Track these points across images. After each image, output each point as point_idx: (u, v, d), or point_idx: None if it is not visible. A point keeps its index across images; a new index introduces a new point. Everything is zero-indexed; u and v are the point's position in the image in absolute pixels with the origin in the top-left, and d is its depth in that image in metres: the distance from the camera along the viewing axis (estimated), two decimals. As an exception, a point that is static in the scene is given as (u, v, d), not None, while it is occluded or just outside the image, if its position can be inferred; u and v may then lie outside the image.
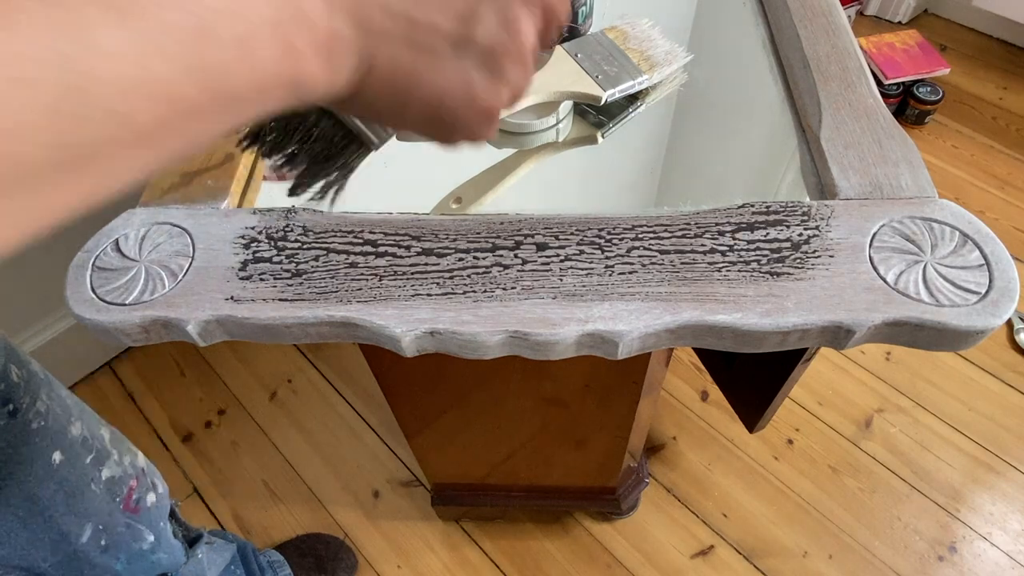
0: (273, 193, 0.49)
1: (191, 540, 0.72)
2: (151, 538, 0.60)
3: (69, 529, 0.52)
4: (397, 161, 0.54)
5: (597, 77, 0.54)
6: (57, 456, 0.51)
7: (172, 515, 0.67)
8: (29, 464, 0.49)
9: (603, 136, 0.55)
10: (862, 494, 1.05)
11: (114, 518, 0.56)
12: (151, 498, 0.61)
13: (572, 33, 0.56)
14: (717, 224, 0.42)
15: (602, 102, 0.53)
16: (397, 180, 0.53)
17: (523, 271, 0.41)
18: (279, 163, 0.35)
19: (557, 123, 0.56)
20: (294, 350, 1.26)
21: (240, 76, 0.20)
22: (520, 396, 0.71)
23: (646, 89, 0.56)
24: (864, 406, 1.14)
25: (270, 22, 0.21)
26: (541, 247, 0.42)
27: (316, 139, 0.34)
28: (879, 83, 1.50)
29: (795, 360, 0.57)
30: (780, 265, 0.40)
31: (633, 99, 0.56)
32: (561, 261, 0.41)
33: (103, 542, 0.56)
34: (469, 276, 0.41)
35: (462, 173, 0.55)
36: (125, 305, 0.41)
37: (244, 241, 0.43)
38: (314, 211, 0.45)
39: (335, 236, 0.43)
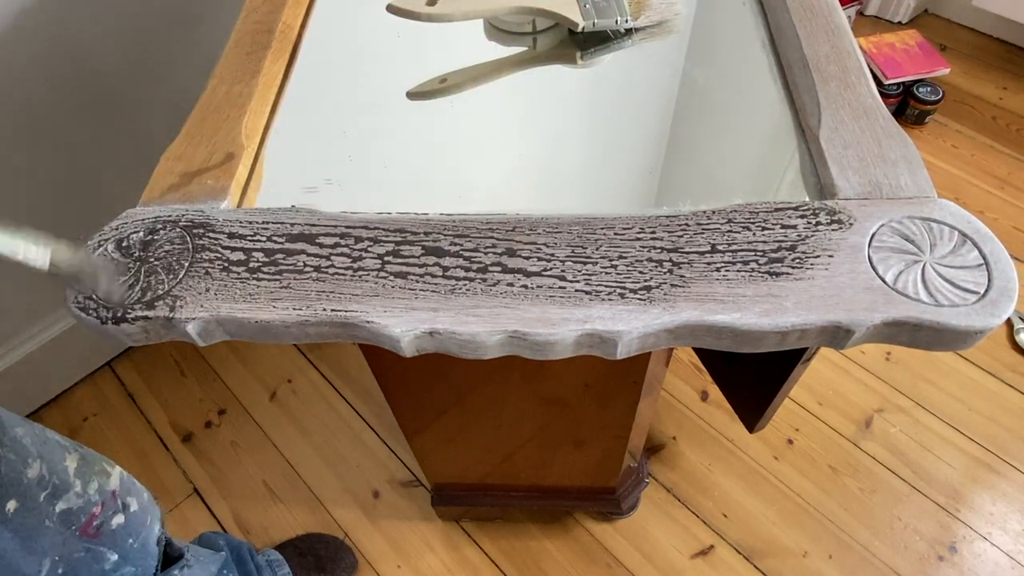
0: (273, 193, 0.50)
1: (173, 558, 0.70)
2: (114, 557, 0.59)
3: (27, 570, 0.52)
4: (397, 161, 0.54)
5: (584, 5, 0.57)
6: (12, 504, 0.50)
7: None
8: None
9: (581, 59, 0.59)
10: (862, 494, 1.05)
11: (69, 546, 0.55)
12: (118, 520, 0.60)
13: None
14: (716, 224, 0.42)
15: (579, 28, 0.57)
16: (397, 180, 0.53)
17: (522, 271, 0.41)
18: None
19: (535, 31, 0.61)
20: (294, 350, 1.26)
21: None
22: (520, 396, 0.71)
23: (634, 28, 0.60)
24: (864, 406, 1.14)
25: None
26: (541, 246, 0.42)
27: None
28: (879, 83, 1.50)
29: (795, 360, 0.57)
30: (779, 265, 0.40)
31: (622, 33, 0.60)
32: (560, 261, 0.41)
33: (60, 571, 0.54)
34: (468, 276, 0.41)
35: (460, 175, 0.55)
36: (125, 305, 0.41)
37: (244, 241, 0.43)
38: (314, 211, 0.45)
39: (335, 236, 0.43)
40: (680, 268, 0.40)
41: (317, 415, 1.18)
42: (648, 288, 0.39)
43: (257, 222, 0.44)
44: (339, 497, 1.09)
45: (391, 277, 0.41)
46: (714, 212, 0.43)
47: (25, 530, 0.51)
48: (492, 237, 0.42)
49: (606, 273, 0.40)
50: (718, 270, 0.40)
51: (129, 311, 0.40)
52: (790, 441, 1.11)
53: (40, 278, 1.12)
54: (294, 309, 0.40)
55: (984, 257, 0.39)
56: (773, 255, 0.40)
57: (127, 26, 0.97)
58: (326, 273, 0.41)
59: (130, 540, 0.61)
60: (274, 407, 1.19)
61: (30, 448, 0.53)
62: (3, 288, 1.03)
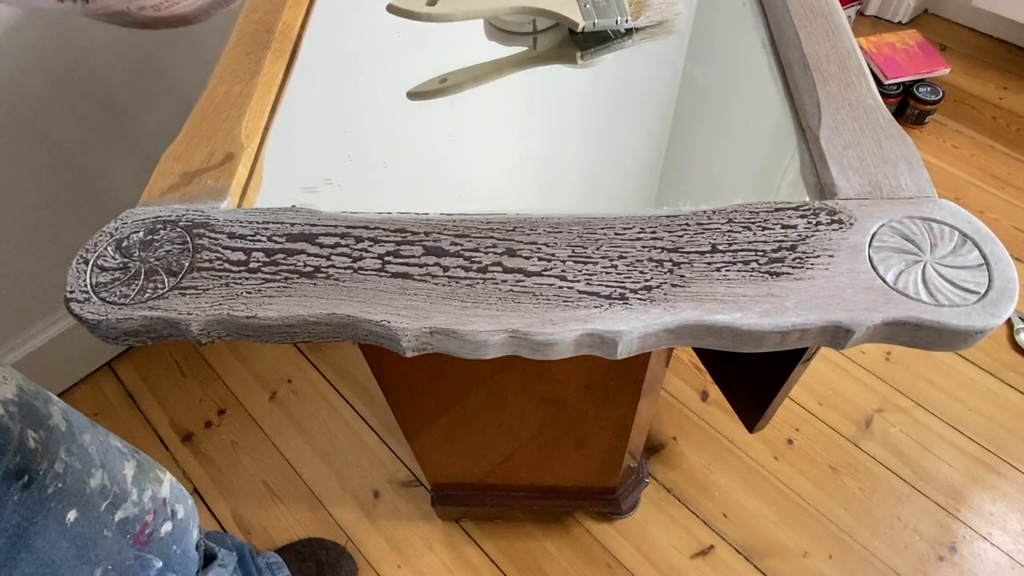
0: (273, 193, 0.49)
1: (207, 558, 0.71)
2: (159, 564, 0.59)
3: None
4: (397, 161, 0.54)
5: (585, 5, 0.57)
6: (72, 514, 0.50)
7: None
8: (43, 531, 0.48)
9: (582, 59, 0.58)
10: (862, 494, 1.05)
11: (123, 554, 0.55)
12: (166, 528, 0.60)
13: None
14: (717, 224, 0.42)
15: (579, 28, 0.57)
16: (397, 180, 0.53)
17: (523, 270, 0.41)
18: None
19: (535, 31, 0.61)
20: (294, 350, 1.26)
21: None
22: (520, 396, 0.71)
23: (634, 28, 0.60)
24: (864, 406, 1.14)
25: None
26: (541, 246, 0.42)
27: None
28: (879, 83, 1.50)
29: (795, 360, 0.57)
30: (779, 265, 0.40)
31: (622, 33, 0.60)
32: (561, 261, 0.41)
33: None
34: (469, 276, 0.41)
35: (460, 175, 0.55)
36: (125, 305, 0.41)
37: (244, 241, 0.43)
38: (314, 211, 0.45)
39: (335, 236, 0.43)
40: (680, 268, 0.40)
41: (317, 415, 1.18)
42: (648, 288, 0.39)
43: (257, 222, 0.44)
44: (339, 497, 1.09)
45: (391, 277, 0.41)
46: (714, 212, 0.43)
47: (83, 539, 0.51)
48: (492, 237, 0.42)
49: (606, 273, 0.40)
50: (718, 270, 0.40)
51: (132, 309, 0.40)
52: (790, 441, 1.11)
53: (39, 278, 1.11)
54: (294, 309, 0.40)
55: (984, 257, 0.39)
56: (773, 255, 0.40)
57: (127, 26, 0.97)
58: (326, 273, 0.41)
59: (175, 547, 0.61)
60: (274, 407, 1.19)
61: (94, 457, 0.53)
62: (3, 289, 1.03)
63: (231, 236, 0.44)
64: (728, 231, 0.42)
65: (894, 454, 1.09)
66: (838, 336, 0.38)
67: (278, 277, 0.41)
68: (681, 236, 0.42)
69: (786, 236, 0.41)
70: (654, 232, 0.42)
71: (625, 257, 0.41)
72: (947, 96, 1.55)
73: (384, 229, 0.43)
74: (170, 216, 0.45)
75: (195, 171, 0.48)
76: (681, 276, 0.40)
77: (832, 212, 0.42)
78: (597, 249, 0.41)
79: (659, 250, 0.41)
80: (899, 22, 1.77)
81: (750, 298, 0.38)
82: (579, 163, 0.55)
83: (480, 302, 0.39)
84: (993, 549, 0.99)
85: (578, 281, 0.40)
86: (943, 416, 1.12)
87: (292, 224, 0.44)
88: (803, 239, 0.41)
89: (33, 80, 0.92)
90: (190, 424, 1.18)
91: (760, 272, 0.40)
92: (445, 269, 0.41)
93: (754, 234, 0.41)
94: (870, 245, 0.40)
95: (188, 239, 0.44)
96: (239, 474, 1.12)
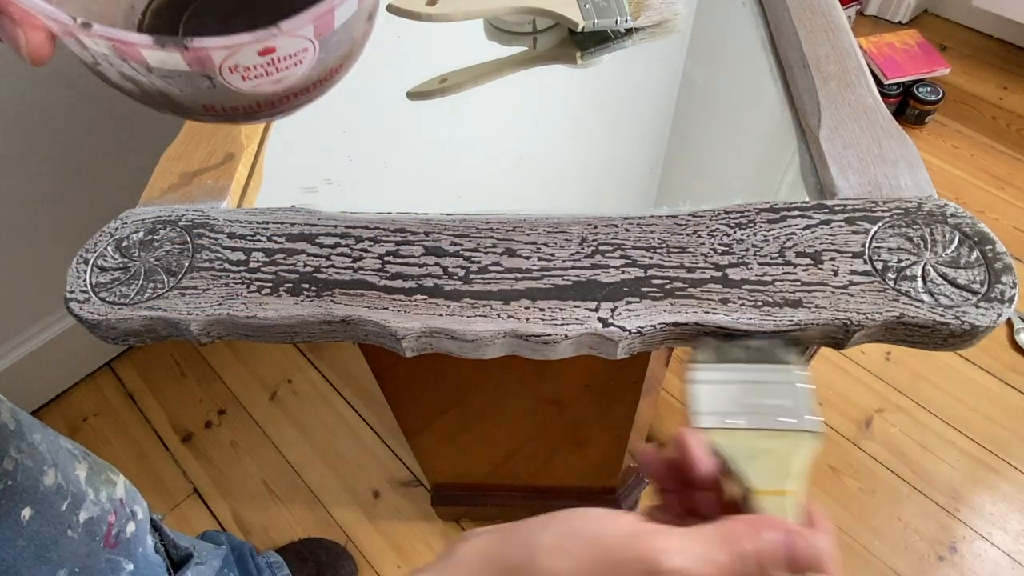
0: (273, 193, 0.50)
1: (181, 559, 0.70)
2: (130, 567, 0.59)
3: None
4: (397, 161, 0.55)
5: (584, 5, 0.57)
6: (27, 512, 0.49)
7: (155, 528, 0.65)
8: None
9: (581, 59, 0.59)
10: (862, 494, 1.05)
11: (94, 557, 0.55)
12: (130, 528, 0.59)
13: None
14: (716, 224, 0.42)
15: (579, 28, 0.57)
16: (397, 180, 0.53)
17: (523, 270, 0.41)
18: None
19: (535, 31, 0.61)
20: (294, 350, 1.26)
21: None
22: (520, 396, 0.71)
23: (634, 28, 0.59)
24: (864, 406, 1.14)
25: None
26: (541, 246, 0.42)
27: None
28: (879, 83, 1.50)
29: (795, 360, 0.57)
30: (779, 265, 0.40)
31: (622, 33, 0.60)
32: (561, 261, 0.41)
33: None
34: (469, 275, 0.41)
35: (460, 175, 0.55)
36: (125, 305, 0.41)
37: (244, 241, 0.43)
38: (314, 211, 0.45)
39: (335, 236, 0.43)
40: (681, 268, 0.40)
41: (317, 415, 1.18)
42: (649, 288, 0.39)
43: (257, 222, 0.44)
44: (339, 497, 1.09)
45: (392, 276, 0.41)
46: (714, 212, 0.43)
47: (42, 538, 0.50)
48: (492, 237, 0.42)
49: (607, 273, 0.40)
50: (718, 270, 0.40)
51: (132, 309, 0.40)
52: (790, 441, 1.11)
53: (39, 278, 1.10)
54: (294, 309, 0.40)
55: (984, 257, 0.39)
56: (773, 255, 0.40)
57: (127, 26, 0.97)
58: (326, 273, 0.41)
59: (140, 549, 0.61)
60: (274, 407, 1.19)
61: (46, 455, 0.52)
62: (3, 288, 1.03)
63: (231, 236, 0.44)
64: (728, 231, 0.42)
65: (894, 454, 1.09)
66: (838, 336, 0.38)
67: (278, 277, 0.41)
68: (681, 236, 0.42)
69: (786, 236, 0.41)
70: (654, 232, 0.42)
71: (626, 257, 0.41)
72: (947, 96, 1.55)
73: (384, 229, 0.43)
74: (170, 216, 0.45)
75: (195, 171, 0.48)
76: (681, 276, 0.40)
77: (832, 212, 0.42)
78: (597, 249, 0.41)
79: (659, 250, 0.41)
80: (899, 22, 1.77)
81: (750, 298, 0.38)
82: (579, 163, 0.55)
83: (480, 302, 0.39)
84: (993, 549, 0.99)
85: (578, 280, 0.40)
86: (943, 416, 1.12)
87: (292, 224, 0.44)
88: (803, 239, 0.41)
89: (33, 80, 0.92)
90: (190, 424, 1.18)
91: (760, 272, 0.40)
92: (445, 269, 0.41)
93: (754, 234, 0.41)
94: (870, 245, 0.40)
95: (188, 239, 0.44)
96: (239, 474, 1.12)
